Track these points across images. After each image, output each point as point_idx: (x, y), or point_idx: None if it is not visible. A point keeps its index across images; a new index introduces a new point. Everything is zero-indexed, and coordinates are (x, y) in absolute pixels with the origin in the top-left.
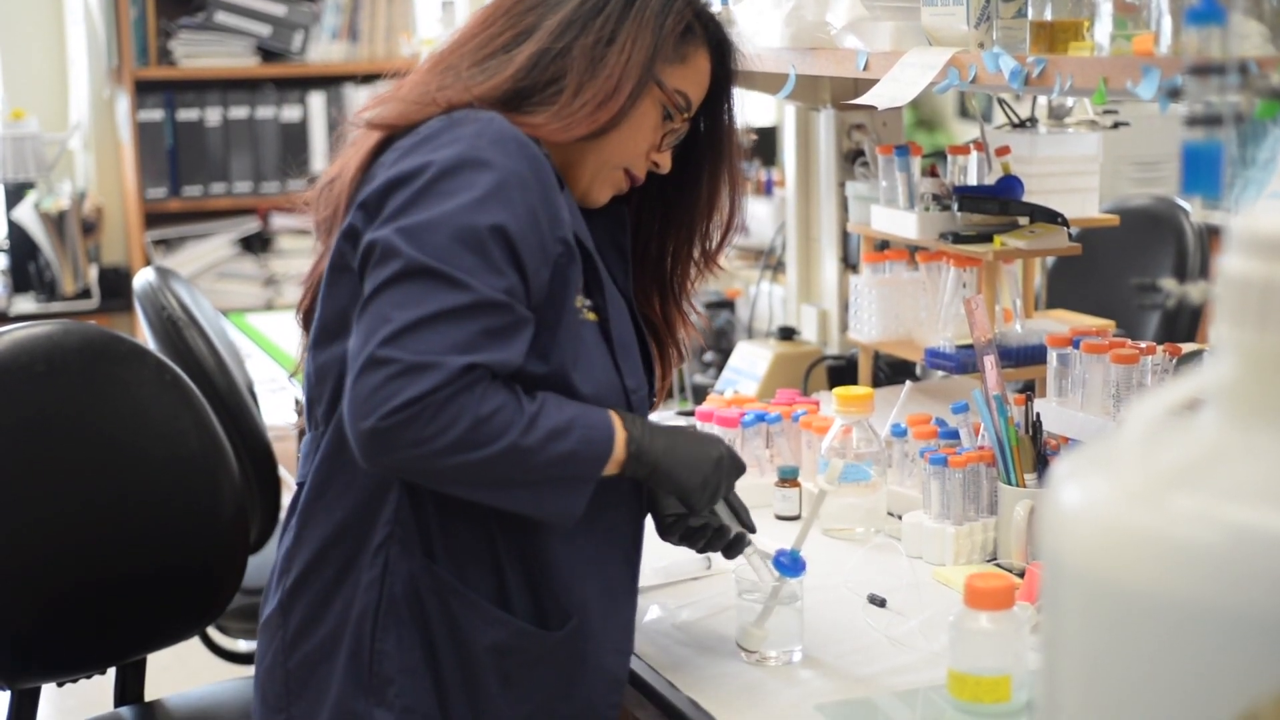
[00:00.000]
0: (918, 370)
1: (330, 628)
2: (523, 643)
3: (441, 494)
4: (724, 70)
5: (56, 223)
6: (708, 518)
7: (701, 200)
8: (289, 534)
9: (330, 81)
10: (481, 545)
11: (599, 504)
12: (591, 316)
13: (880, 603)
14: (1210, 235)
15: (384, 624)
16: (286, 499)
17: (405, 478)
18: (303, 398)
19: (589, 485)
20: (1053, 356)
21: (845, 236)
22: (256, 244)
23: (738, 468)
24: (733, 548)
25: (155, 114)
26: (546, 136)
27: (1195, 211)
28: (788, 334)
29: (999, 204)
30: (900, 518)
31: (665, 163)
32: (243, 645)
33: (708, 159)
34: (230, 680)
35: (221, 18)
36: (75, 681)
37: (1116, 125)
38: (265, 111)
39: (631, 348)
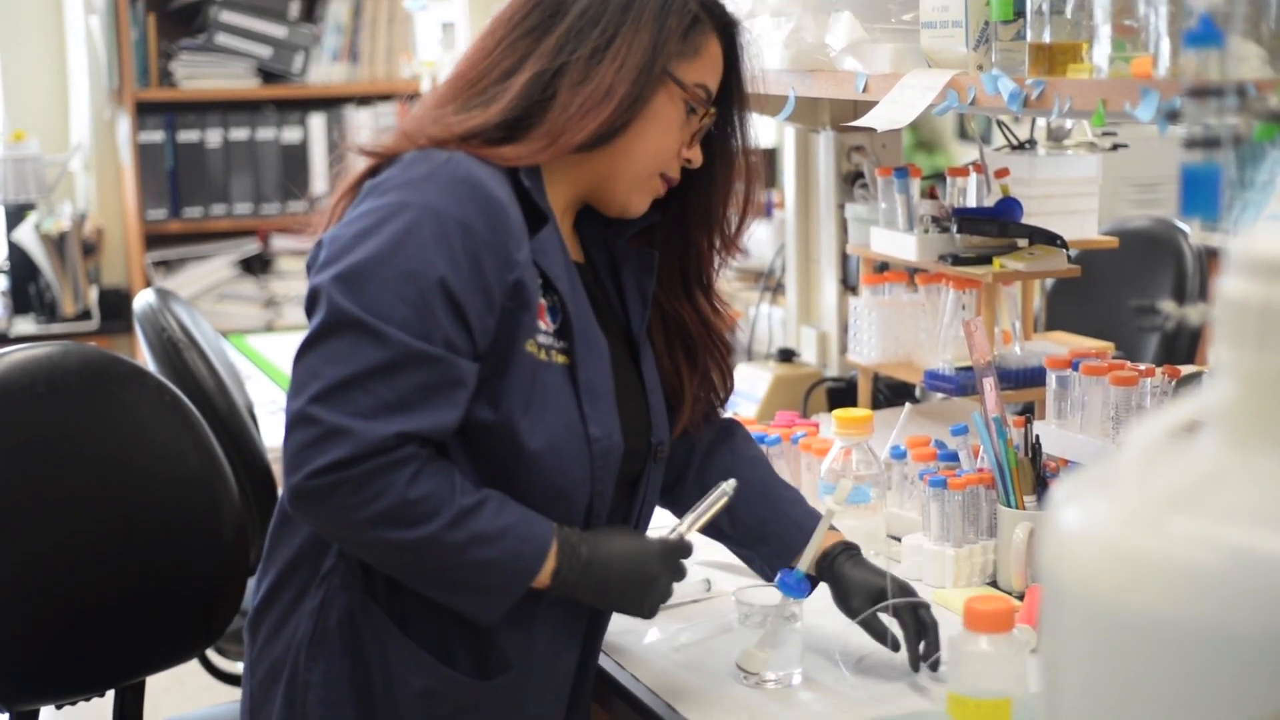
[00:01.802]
0: (917, 392)
1: (280, 651)
2: (453, 690)
3: None
4: (732, 52)
5: (57, 244)
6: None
7: (718, 185)
8: (263, 555)
9: (331, 103)
10: (424, 594)
11: None
12: (560, 359)
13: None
14: (1209, 257)
15: (313, 654)
16: None
17: (328, 539)
18: None
19: (508, 599)
20: (1052, 378)
21: (845, 258)
22: (257, 265)
23: (675, 569)
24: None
25: (156, 135)
26: (532, 161)
27: (1194, 233)
28: (787, 356)
29: (998, 226)
30: (900, 540)
31: (697, 157)
32: (240, 668)
33: (718, 143)
34: (229, 703)
35: (222, 39)
36: (74, 704)
37: (1115, 147)
38: (266, 133)
39: (603, 394)
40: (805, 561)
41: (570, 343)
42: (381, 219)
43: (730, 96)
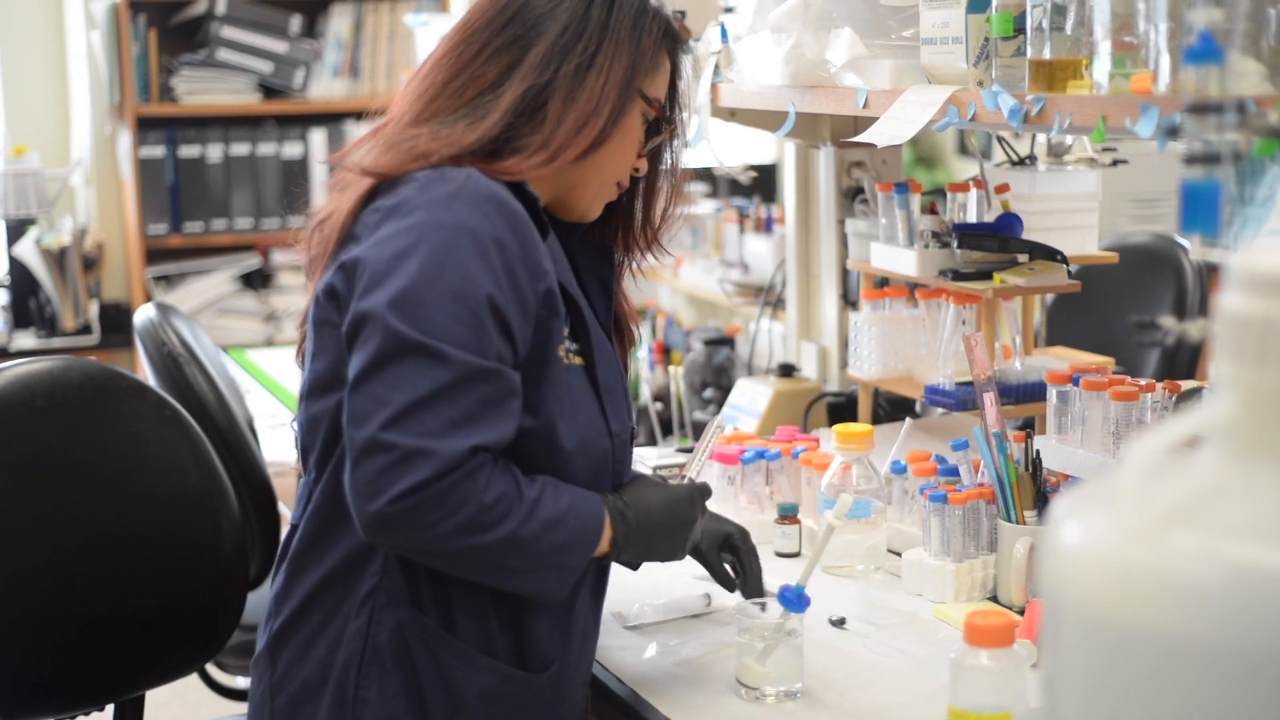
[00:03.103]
0: (917, 407)
1: (313, 671)
2: (511, 688)
3: None
4: (674, 66)
5: (57, 259)
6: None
7: (644, 189)
8: (280, 577)
9: (331, 118)
10: (470, 593)
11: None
12: (578, 361)
13: (840, 623)
14: (1209, 273)
15: (367, 672)
16: None
17: (406, 556)
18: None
19: (578, 571)
20: (1052, 394)
21: (845, 273)
22: (257, 280)
23: (704, 514)
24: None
25: (157, 150)
26: (536, 174)
27: (1194, 249)
28: (787, 371)
29: (998, 241)
30: (900, 555)
31: (644, 167)
32: (241, 682)
33: (655, 149)
34: (228, 717)
35: (223, 55)
36: (74, 718)
37: (1115, 163)
38: (266, 148)
39: (616, 390)
40: (805, 575)
41: (584, 345)
42: (417, 239)
43: (672, 109)
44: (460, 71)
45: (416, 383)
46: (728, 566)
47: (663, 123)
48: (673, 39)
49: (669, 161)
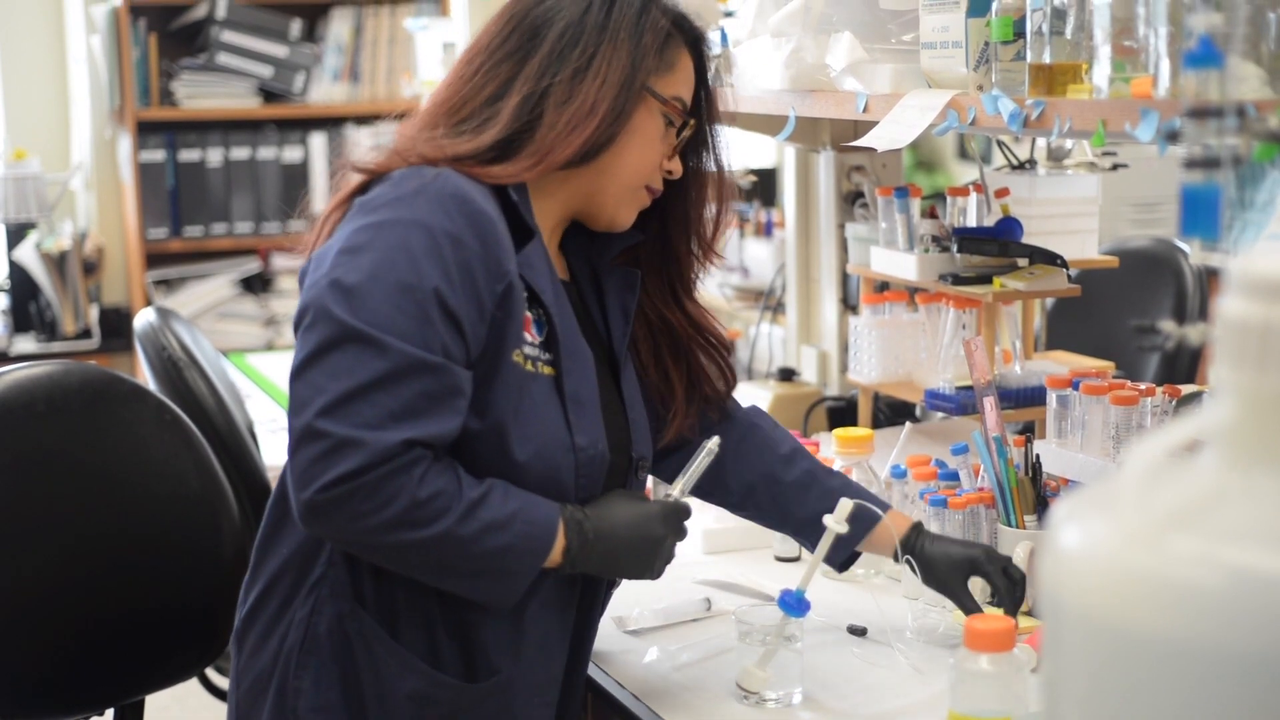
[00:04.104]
0: (917, 411)
1: (266, 661)
2: (443, 694)
3: None
4: (701, 65)
5: (57, 263)
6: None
7: (693, 195)
8: (250, 567)
9: (332, 122)
10: (414, 599)
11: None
12: (547, 371)
13: (861, 632)
14: (1209, 277)
15: (303, 661)
16: None
17: (344, 548)
18: None
19: (525, 579)
20: (1052, 398)
21: (845, 278)
22: (257, 284)
23: (678, 528)
24: None
25: (157, 154)
26: (524, 178)
27: (1194, 253)
28: (787, 375)
29: (998, 245)
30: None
31: (676, 168)
32: None
33: (691, 154)
34: None
35: (223, 59)
36: None
37: (1115, 167)
38: (267, 152)
39: (589, 405)
40: (805, 580)
41: (556, 354)
42: (373, 235)
43: (700, 108)
44: (464, 88)
45: (355, 371)
46: (977, 589)
47: (687, 122)
48: (690, 34)
49: (710, 161)
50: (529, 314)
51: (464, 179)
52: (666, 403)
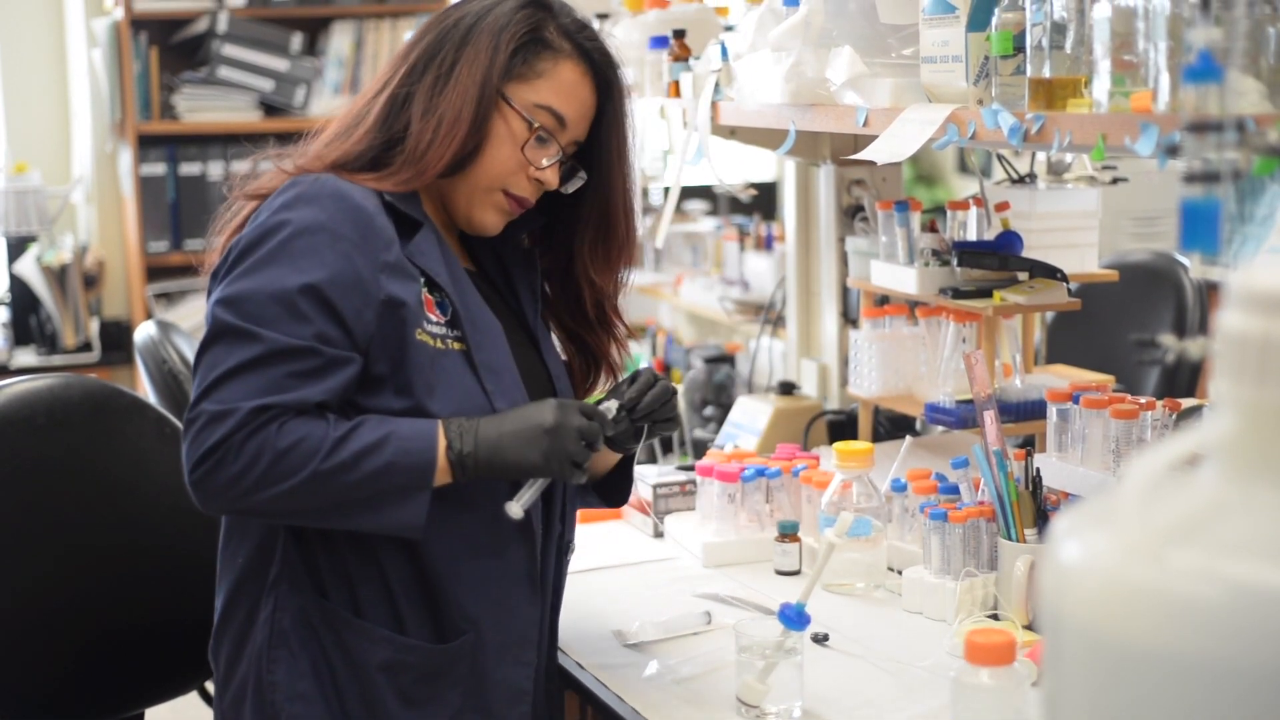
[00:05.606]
0: (918, 425)
1: (244, 667)
2: (413, 658)
3: (325, 530)
4: (602, 80)
5: (58, 276)
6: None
7: (589, 217)
8: (217, 581)
9: None
10: (371, 572)
11: (482, 518)
12: (457, 346)
13: (823, 639)
14: (1209, 291)
15: (274, 656)
16: None
17: (237, 516)
18: None
19: (421, 494)
20: (1052, 411)
21: (845, 291)
22: None
23: (575, 418)
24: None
25: (158, 168)
26: (407, 186)
27: (1194, 267)
28: (788, 389)
29: (998, 259)
30: (900, 573)
31: (550, 180)
32: None
33: (593, 174)
34: None
35: (224, 73)
36: None
37: (1115, 181)
38: (267, 166)
39: (505, 372)
40: (805, 594)
41: (463, 331)
42: (254, 242)
43: (601, 129)
44: (356, 104)
45: (227, 359)
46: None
47: (560, 131)
48: (580, 48)
49: (609, 186)
50: (430, 296)
51: (343, 181)
52: (583, 372)
